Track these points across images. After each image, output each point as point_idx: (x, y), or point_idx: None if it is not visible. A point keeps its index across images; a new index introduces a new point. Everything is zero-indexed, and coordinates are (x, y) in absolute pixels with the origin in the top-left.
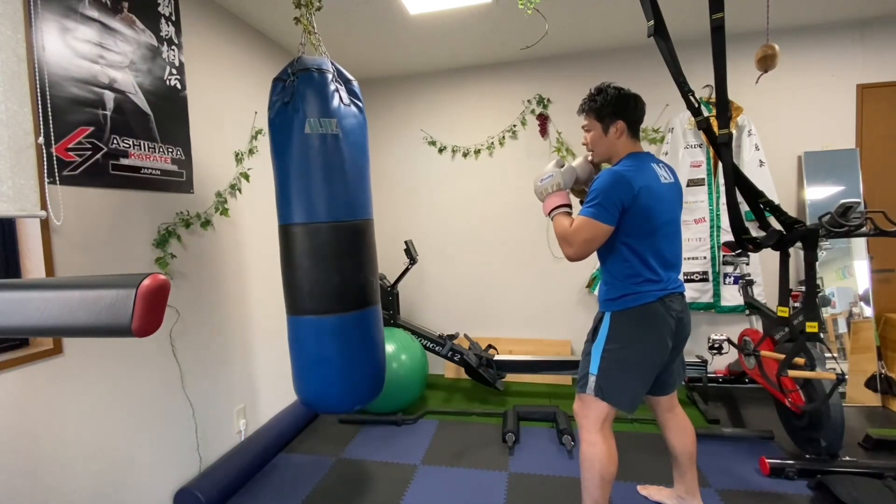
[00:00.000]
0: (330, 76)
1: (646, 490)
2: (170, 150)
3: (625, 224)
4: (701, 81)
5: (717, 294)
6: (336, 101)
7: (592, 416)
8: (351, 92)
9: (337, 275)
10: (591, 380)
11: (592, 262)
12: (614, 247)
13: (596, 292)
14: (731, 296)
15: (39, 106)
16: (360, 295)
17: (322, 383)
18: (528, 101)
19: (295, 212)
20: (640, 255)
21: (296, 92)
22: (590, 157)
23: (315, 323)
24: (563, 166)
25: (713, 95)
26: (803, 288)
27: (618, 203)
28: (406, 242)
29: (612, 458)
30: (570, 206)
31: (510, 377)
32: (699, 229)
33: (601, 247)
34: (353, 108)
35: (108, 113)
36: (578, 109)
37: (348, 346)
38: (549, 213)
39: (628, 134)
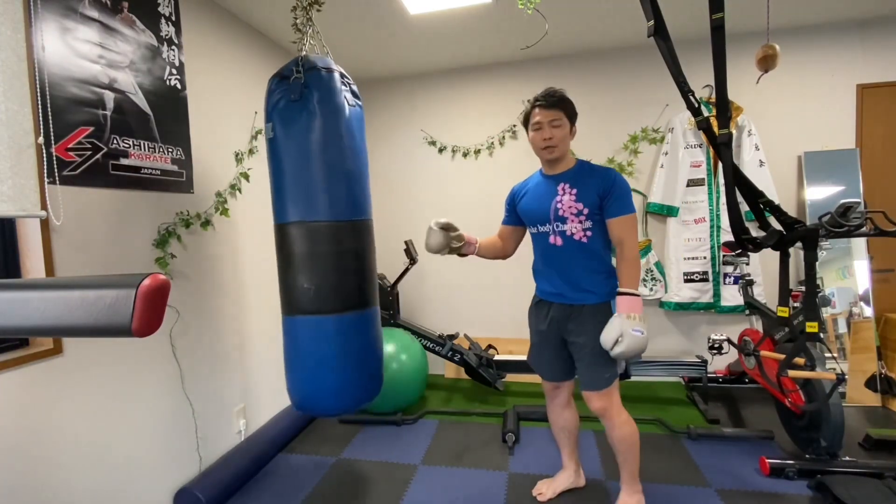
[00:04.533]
0: (278, 79)
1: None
2: (170, 150)
3: None
4: (701, 81)
5: (717, 294)
6: (274, 104)
7: (616, 400)
8: (310, 86)
9: (282, 276)
10: (615, 368)
11: None
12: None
13: None
14: (731, 296)
15: (39, 106)
16: (299, 300)
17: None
18: (528, 101)
19: (273, 211)
20: None
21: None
22: (554, 154)
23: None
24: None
25: (713, 95)
26: (803, 288)
27: None
28: (406, 242)
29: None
30: (636, 293)
31: (510, 377)
32: (699, 229)
33: (603, 237)
34: (299, 106)
35: (108, 113)
36: (549, 102)
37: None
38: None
39: None
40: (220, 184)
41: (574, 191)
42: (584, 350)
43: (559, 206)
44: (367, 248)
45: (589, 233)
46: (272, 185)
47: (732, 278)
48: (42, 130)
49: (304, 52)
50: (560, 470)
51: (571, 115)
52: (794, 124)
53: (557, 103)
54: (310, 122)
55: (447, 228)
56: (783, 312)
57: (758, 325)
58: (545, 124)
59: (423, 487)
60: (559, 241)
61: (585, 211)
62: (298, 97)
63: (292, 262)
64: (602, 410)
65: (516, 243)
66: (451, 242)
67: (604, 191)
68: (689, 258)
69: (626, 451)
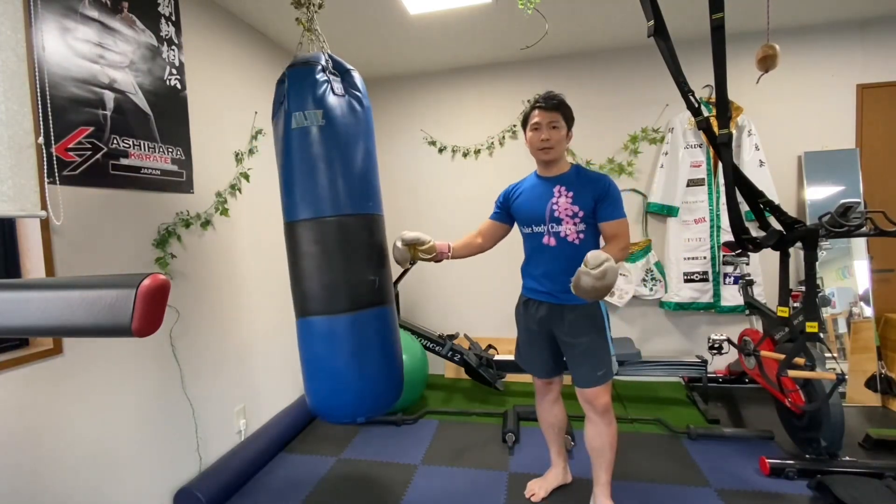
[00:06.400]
0: (319, 67)
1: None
2: (170, 150)
3: None
4: (701, 81)
5: (717, 294)
6: (323, 92)
7: (610, 398)
8: (348, 83)
9: (328, 273)
10: (614, 362)
11: None
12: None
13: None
14: (731, 296)
15: (39, 106)
16: (355, 295)
17: (336, 390)
18: (528, 101)
19: (286, 209)
20: None
21: (287, 89)
22: (550, 156)
23: (309, 324)
24: (602, 262)
25: (713, 95)
26: (803, 288)
27: None
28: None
29: None
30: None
31: (510, 377)
32: (699, 229)
33: (594, 241)
34: (348, 99)
35: (108, 113)
36: (549, 105)
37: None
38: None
39: None
40: (220, 184)
41: (570, 194)
42: (578, 349)
43: (555, 207)
44: (386, 243)
45: (582, 235)
46: (305, 177)
47: (732, 278)
48: (42, 130)
49: (325, 49)
50: (549, 468)
51: (569, 119)
52: (793, 124)
53: (557, 106)
54: (358, 116)
55: (414, 243)
56: (783, 312)
57: (758, 325)
58: (543, 125)
59: (423, 487)
60: (553, 242)
61: (581, 214)
62: (344, 93)
63: (348, 255)
64: (605, 406)
65: (496, 240)
66: (419, 255)
67: (598, 195)
68: (689, 258)
69: (613, 451)
